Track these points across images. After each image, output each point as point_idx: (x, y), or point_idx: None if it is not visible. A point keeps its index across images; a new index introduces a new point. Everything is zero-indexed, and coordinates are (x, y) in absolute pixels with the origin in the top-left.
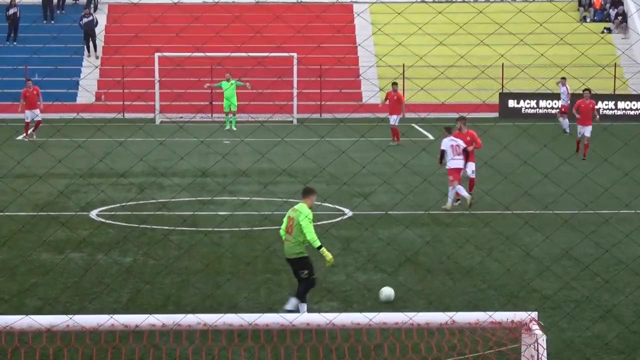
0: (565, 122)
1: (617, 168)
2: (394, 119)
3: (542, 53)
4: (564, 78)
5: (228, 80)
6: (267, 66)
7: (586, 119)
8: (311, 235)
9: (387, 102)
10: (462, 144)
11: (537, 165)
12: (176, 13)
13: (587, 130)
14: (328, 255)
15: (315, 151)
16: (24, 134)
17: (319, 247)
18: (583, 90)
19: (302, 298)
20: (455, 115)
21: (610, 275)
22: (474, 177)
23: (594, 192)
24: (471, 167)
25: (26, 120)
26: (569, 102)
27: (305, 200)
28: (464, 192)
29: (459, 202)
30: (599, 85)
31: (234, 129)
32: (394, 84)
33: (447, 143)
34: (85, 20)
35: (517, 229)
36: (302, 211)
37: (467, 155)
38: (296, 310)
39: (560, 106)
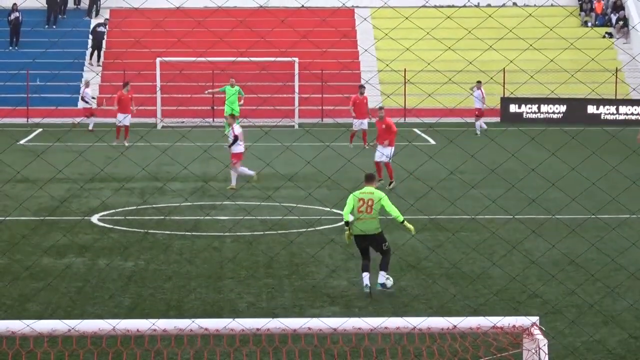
0: (477, 124)
1: (619, 173)
2: (359, 123)
3: (552, 59)
4: (479, 82)
5: (232, 86)
6: (269, 71)
7: None
8: (396, 211)
9: (352, 107)
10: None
11: (538, 170)
12: (178, 18)
13: None
14: (411, 227)
15: (317, 156)
16: (117, 139)
17: (402, 222)
18: None
19: (387, 268)
20: (457, 120)
21: (612, 281)
22: (389, 161)
23: (595, 197)
24: (387, 152)
25: (117, 125)
26: (484, 105)
27: (372, 184)
28: (248, 172)
29: (392, 184)
30: (601, 90)
31: None
32: (361, 87)
33: (238, 129)
34: (102, 29)
35: (518, 234)
36: (378, 193)
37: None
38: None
39: (475, 109)
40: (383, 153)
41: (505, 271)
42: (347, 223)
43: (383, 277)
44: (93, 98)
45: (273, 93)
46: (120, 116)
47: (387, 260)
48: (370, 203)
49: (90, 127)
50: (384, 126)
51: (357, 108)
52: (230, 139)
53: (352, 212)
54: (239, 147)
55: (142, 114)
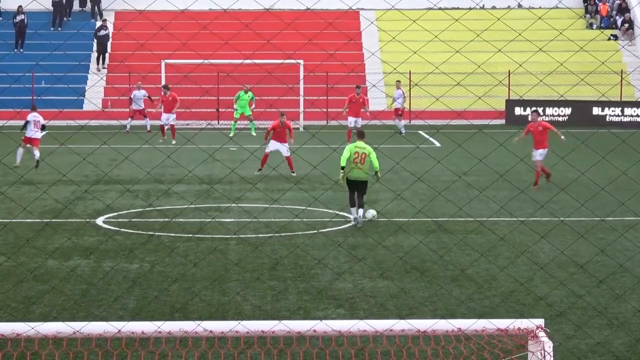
0: (400, 123)
1: (624, 175)
2: (354, 121)
3: (559, 62)
4: (398, 81)
5: (246, 92)
6: (274, 73)
7: (539, 143)
8: (377, 164)
9: (347, 108)
10: (42, 121)
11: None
12: (183, 20)
13: (537, 154)
14: (378, 176)
15: (321, 158)
16: (163, 136)
17: (376, 172)
18: (532, 111)
19: (363, 204)
20: (461, 122)
21: (617, 284)
22: (289, 154)
23: (600, 199)
24: (285, 146)
25: (161, 124)
26: (403, 105)
27: (363, 139)
28: (19, 156)
29: (260, 171)
30: (606, 92)
31: (254, 134)
32: (358, 87)
33: (30, 117)
34: (103, 32)
35: (523, 236)
36: (369, 148)
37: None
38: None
39: (395, 109)
40: (280, 149)
41: (510, 274)
42: (342, 167)
43: (368, 213)
44: (150, 98)
45: (278, 95)
46: (163, 116)
47: (363, 199)
48: (363, 156)
49: (128, 129)
50: (287, 130)
51: (354, 106)
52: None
53: (348, 160)
54: (33, 134)
55: (147, 115)
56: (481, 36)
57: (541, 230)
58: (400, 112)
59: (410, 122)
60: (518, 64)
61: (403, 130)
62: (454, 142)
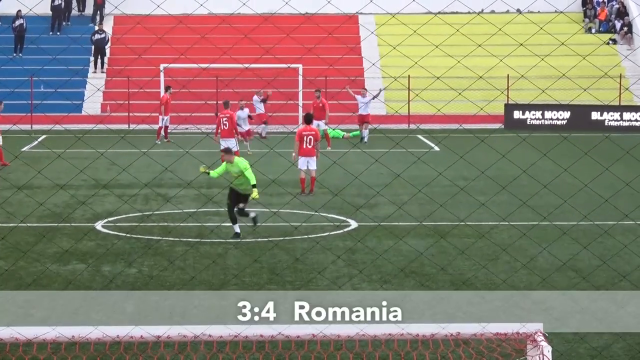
0: (364, 132)
1: (622, 179)
2: (317, 125)
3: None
4: (364, 89)
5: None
6: (271, 78)
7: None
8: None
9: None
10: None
11: (541, 177)
12: (183, 26)
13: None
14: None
15: (320, 163)
16: (157, 138)
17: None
18: None
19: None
20: (460, 126)
21: (616, 287)
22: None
23: (598, 203)
24: (233, 142)
25: (159, 126)
26: (368, 111)
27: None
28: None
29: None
30: (605, 96)
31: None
32: (317, 90)
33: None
34: (97, 36)
35: (522, 240)
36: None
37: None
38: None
39: (359, 115)
40: (229, 144)
41: (508, 278)
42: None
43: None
44: (250, 117)
45: (278, 100)
46: (164, 119)
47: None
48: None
49: (264, 134)
50: (224, 117)
51: (316, 112)
52: None
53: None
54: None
55: (147, 120)
56: (480, 40)
57: (540, 236)
58: (367, 119)
59: (409, 127)
60: (517, 71)
61: (366, 139)
62: (453, 146)
